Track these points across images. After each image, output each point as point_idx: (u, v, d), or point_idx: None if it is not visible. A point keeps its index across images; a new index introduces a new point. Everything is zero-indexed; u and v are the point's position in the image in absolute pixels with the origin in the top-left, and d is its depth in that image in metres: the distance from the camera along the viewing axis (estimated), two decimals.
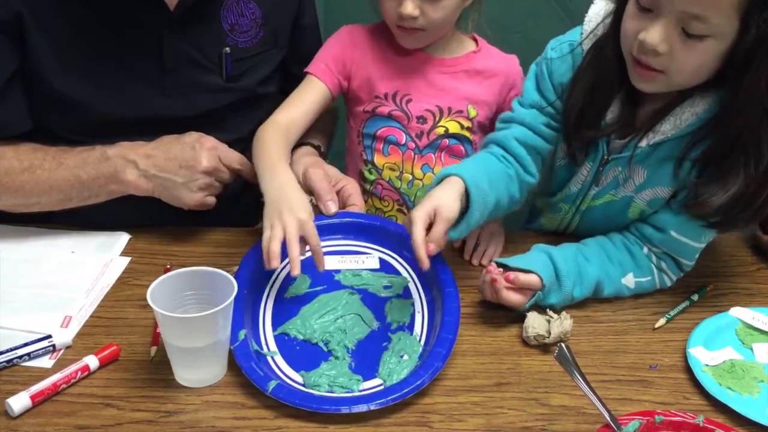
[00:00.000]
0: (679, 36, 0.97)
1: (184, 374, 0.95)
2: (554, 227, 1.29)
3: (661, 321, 1.09)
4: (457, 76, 1.31)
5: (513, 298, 1.07)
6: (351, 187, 1.20)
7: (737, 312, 1.10)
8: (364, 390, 0.95)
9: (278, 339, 1.02)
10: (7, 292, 1.08)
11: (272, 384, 0.92)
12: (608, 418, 0.87)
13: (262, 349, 0.99)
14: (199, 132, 1.20)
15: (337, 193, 1.20)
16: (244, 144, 1.27)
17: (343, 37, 1.32)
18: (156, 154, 1.17)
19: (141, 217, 1.21)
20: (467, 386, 0.97)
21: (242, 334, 0.97)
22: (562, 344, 0.94)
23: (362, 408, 0.90)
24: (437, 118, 1.31)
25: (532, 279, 1.07)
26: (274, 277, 1.09)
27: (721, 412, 0.94)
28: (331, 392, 0.94)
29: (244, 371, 0.94)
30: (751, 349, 1.05)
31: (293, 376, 0.97)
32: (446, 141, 1.31)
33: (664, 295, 1.15)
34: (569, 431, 0.91)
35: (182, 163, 1.16)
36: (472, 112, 1.31)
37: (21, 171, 1.15)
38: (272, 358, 0.99)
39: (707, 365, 1.00)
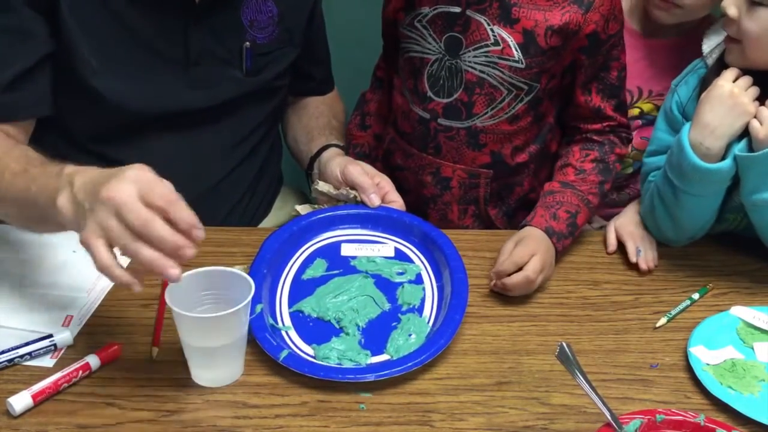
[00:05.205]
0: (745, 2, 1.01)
1: (202, 374, 0.95)
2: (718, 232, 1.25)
3: (662, 320, 1.09)
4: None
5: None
6: (385, 183, 1.22)
7: (738, 311, 1.10)
8: (372, 364, 0.98)
9: (293, 315, 1.05)
10: (7, 292, 1.08)
11: (284, 353, 0.95)
12: (609, 417, 0.87)
13: (277, 323, 1.03)
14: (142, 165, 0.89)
15: None
16: (259, 131, 1.32)
17: None
18: (93, 177, 0.90)
19: None
20: (468, 385, 0.97)
21: (259, 308, 1.01)
22: (563, 343, 0.93)
23: (369, 377, 0.94)
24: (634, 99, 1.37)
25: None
26: (293, 260, 1.13)
27: (721, 411, 0.94)
28: (340, 365, 0.97)
29: (258, 341, 0.97)
30: (752, 348, 1.05)
31: (305, 349, 1.00)
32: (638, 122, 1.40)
33: (665, 294, 1.15)
34: (570, 430, 0.91)
35: (96, 187, 0.87)
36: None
37: None
38: (286, 332, 1.02)
39: (708, 364, 1.00)
